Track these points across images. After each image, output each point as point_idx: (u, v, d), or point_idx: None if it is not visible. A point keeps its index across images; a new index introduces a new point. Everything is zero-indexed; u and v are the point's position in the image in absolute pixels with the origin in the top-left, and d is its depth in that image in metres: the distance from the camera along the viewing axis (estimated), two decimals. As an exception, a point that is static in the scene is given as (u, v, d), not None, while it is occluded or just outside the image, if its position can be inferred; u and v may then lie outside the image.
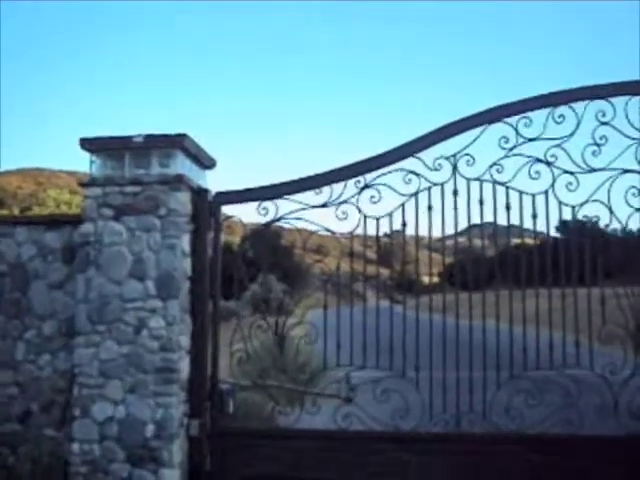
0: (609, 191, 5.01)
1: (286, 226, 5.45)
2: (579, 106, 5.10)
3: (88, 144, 5.20)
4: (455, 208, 5.20)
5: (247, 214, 5.51)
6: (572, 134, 5.09)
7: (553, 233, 5.48)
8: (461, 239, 5.84)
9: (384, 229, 5.30)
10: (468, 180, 5.21)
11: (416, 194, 5.25)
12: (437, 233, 5.33)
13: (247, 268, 5.62)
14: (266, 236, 5.63)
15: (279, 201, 5.31)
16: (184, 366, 5.06)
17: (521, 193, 5.15)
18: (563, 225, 5.46)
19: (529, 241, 5.55)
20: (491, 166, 5.19)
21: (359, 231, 5.27)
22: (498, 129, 5.20)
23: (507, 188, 5.17)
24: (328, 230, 5.27)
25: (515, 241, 5.59)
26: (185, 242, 5.10)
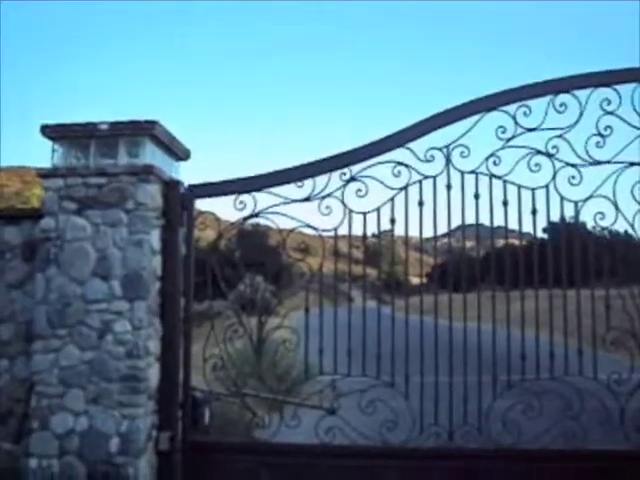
0: (614, 185, 4.64)
1: (265, 222, 5.02)
2: (582, 94, 4.75)
3: (49, 131, 4.77)
4: (448, 203, 4.81)
5: (222, 208, 5.12)
6: (575, 124, 4.73)
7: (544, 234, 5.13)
8: (453, 238, 5.44)
9: (371, 225, 4.91)
10: (462, 173, 4.83)
11: (406, 187, 4.86)
12: (428, 230, 4.95)
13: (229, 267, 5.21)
14: (252, 234, 5.23)
15: (258, 195, 4.92)
16: (153, 374, 4.64)
17: (520, 187, 4.78)
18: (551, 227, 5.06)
19: (526, 240, 5.18)
20: (487, 158, 4.82)
21: (344, 227, 4.88)
22: (495, 118, 4.84)
23: (504, 182, 4.79)
24: (310, 226, 4.86)
25: (511, 241, 5.21)
26: (155, 238, 4.68)
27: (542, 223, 4.86)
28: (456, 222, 4.88)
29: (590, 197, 4.69)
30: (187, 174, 5.28)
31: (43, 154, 4.81)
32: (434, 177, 4.84)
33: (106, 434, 4.48)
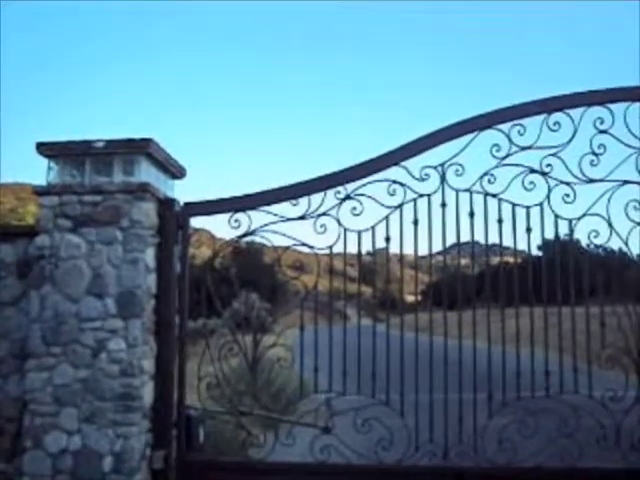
0: (608, 203, 4.66)
1: (260, 240, 5.02)
2: (576, 113, 4.77)
3: (45, 149, 4.79)
4: (443, 221, 4.82)
5: (217, 226, 5.12)
6: (569, 142, 4.75)
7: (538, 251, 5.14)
8: (448, 256, 5.44)
9: (366, 243, 4.91)
10: (457, 191, 4.84)
11: (401, 206, 4.87)
12: (423, 248, 4.94)
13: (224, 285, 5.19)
14: (247, 252, 5.22)
15: (253, 213, 4.92)
16: (147, 392, 4.62)
17: (514, 205, 4.79)
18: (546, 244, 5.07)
19: (520, 258, 5.18)
20: (482, 176, 4.83)
21: (339, 245, 4.88)
22: (490, 137, 4.86)
23: (499, 200, 4.81)
24: (305, 244, 4.86)
25: (506, 258, 5.22)
26: (149, 256, 4.68)
27: (537, 241, 4.90)
28: (451, 240, 4.90)
29: (584, 215, 4.70)
30: (182, 192, 5.29)
31: (38, 171, 4.82)
32: (429, 195, 4.85)
33: (100, 453, 4.46)
